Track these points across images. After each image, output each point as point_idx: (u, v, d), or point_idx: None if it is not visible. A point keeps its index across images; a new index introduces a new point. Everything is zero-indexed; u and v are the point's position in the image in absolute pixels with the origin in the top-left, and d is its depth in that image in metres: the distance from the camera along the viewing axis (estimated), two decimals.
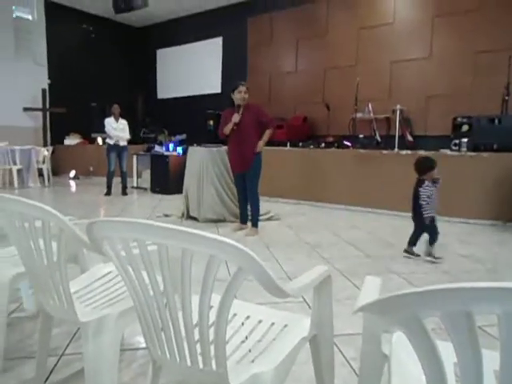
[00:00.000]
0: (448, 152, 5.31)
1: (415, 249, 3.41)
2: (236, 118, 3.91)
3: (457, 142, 5.53)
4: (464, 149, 5.31)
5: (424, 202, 3.23)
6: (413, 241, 3.41)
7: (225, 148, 4.75)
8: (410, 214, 3.46)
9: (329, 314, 1.27)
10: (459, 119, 5.92)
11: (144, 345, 1.80)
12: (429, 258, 3.30)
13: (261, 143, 4.01)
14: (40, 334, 1.55)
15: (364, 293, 1.10)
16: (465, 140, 5.37)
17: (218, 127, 4.25)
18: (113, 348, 1.24)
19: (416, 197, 3.31)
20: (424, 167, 3.30)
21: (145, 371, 1.65)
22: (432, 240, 3.31)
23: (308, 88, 8.51)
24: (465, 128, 5.75)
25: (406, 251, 3.43)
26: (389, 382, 0.95)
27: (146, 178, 7.74)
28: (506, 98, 5.70)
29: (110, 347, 1.22)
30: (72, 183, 8.90)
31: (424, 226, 3.31)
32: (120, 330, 1.29)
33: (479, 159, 4.89)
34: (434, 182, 3.27)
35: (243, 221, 4.33)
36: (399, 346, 1.03)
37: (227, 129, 3.99)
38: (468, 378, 0.59)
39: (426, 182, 3.25)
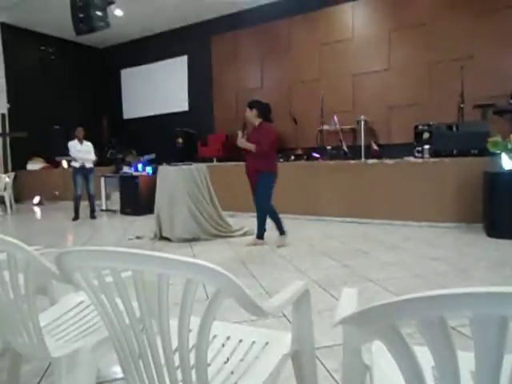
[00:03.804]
0: (412, 159, 5.53)
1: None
2: (239, 138, 4.26)
3: (419, 149, 5.78)
4: (426, 155, 5.55)
5: None
6: None
7: (197, 165, 4.80)
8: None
9: (309, 328, 1.27)
10: (420, 127, 6.21)
11: (121, 375, 1.73)
12: None
13: (240, 139, 4.24)
14: (8, 375, 1.46)
15: (342, 305, 1.11)
16: (427, 147, 5.62)
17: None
18: (88, 382, 1.19)
19: None
20: None
21: None
22: None
23: (275, 103, 8.59)
24: (426, 135, 6.03)
25: None
26: None
27: (116, 200, 7.56)
28: (462, 105, 6.03)
29: (85, 382, 1.17)
30: (36, 209, 8.55)
31: None
32: (95, 362, 1.23)
33: (441, 164, 5.11)
34: None
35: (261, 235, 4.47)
36: (379, 355, 1.05)
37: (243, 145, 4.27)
38: (446, 379, 0.61)
39: None
